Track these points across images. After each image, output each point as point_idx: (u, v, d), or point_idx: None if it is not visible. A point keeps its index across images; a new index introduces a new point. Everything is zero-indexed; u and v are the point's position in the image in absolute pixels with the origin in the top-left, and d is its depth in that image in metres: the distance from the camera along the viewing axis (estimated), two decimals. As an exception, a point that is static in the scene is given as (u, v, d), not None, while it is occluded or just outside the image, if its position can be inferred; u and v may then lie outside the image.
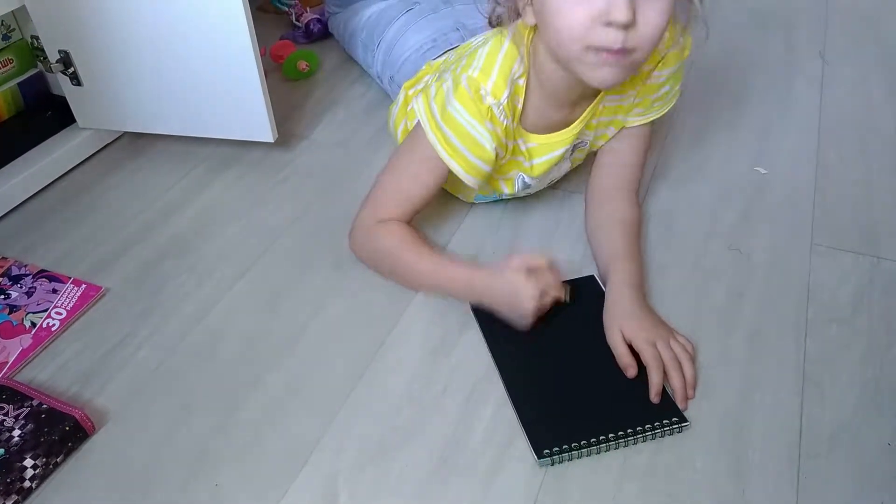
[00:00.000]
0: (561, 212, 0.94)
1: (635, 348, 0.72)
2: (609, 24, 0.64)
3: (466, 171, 0.79)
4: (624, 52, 0.66)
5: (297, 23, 1.35)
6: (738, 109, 1.13)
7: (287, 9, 1.39)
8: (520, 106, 0.78)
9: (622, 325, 0.73)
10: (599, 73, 0.69)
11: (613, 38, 0.65)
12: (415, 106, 0.82)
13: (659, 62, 0.79)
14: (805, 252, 0.87)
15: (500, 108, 0.76)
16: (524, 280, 0.72)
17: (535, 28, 0.75)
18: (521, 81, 0.77)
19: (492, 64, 0.76)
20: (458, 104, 0.76)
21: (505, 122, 0.77)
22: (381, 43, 1.13)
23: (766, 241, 0.89)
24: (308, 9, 1.36)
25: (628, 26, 0.64)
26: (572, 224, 0.92)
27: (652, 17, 0.65)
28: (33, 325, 0.79)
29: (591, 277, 0.83)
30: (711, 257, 0.87)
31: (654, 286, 0.82)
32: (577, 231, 0.91)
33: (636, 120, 0.86)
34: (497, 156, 0.79)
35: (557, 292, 0.75)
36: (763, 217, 0.93)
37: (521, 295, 0.72)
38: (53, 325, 0.79)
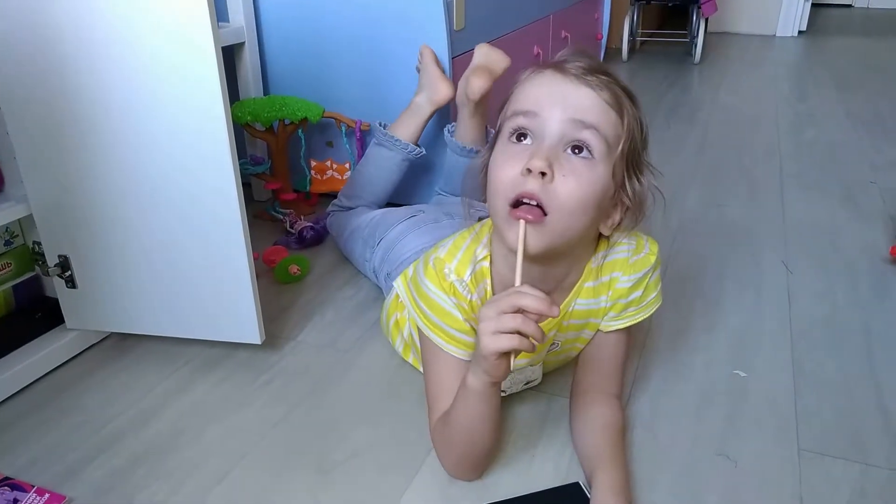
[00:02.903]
0: (546, 416, 0.93)
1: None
2: (528, 171, 0.71)
3: (447, 341, 0.81)
4: (540, 211, 0.71)
5: (290, 230, 1.43)
6: (713, 315, 1.17)
7: (282, 217, 1.48)
8: (489, 289, 0.82)
9: (608, 537, 0.70)
10: (515, 231, 0.72)
11: (531, 185, 0.71)
12: (395, 286, 0.88)
13: (609, 246, 0.83)
14: (793, 459, 0.86)
15: (464, 284, 0.80)
16: (482, 319, 0.68)
17: None
18: (486, 263, 0.82)
19: (458, 247, 0.83)
20: (427, 281, 0.81)
21: (470, 297, 0.81)
22: (381, 241, 1.19)
23: (752, 447, 0.88)
24: (302, 217, 1.45)
25: (545, 175, 0.70)
26: (558, 429, 0.91)
27: (571, 180, 0.72)
28: (-13, 540, 0.74)
29: (577, 484, 0.80)
30: (699, 465, 0.85)
31: (642, 496, 0.80)
32: (563, 435, 0.90)
33: (611, 324, 0.88)
34: (473, 328, 0.80)
35: (532, 334, 0.66)
36: (747, 422, 0.92)
37: (480, 335, 0.68)
38: (8, 540, 0.74)
